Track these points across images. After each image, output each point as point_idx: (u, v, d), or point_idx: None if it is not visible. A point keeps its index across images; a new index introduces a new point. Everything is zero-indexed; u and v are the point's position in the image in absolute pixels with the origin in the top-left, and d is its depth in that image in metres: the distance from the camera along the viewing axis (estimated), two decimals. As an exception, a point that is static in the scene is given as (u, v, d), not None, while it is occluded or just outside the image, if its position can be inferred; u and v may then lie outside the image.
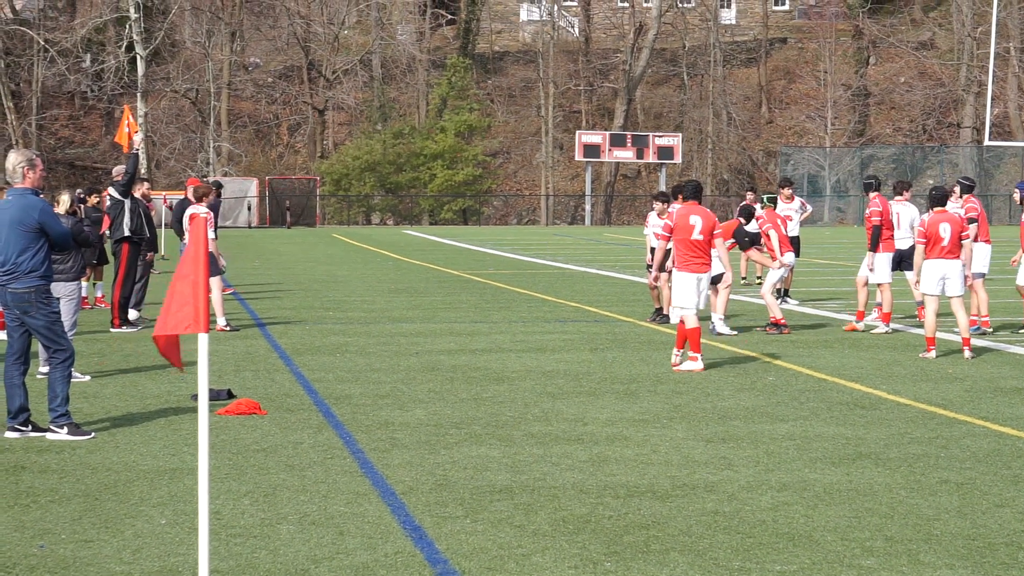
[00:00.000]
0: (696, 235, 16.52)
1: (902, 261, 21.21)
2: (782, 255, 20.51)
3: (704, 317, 21.67)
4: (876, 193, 21.06)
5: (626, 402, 13.91)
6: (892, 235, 20.98)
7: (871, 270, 20.92)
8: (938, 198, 18.15)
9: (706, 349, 18.46)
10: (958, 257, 17.67)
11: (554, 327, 21.44)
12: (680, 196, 17.19)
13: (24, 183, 12.06)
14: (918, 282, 18.29)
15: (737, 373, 16.14)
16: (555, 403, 13.82)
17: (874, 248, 20.74)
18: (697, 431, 12.24)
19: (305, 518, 9.03)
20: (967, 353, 17.42)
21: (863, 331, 20.46)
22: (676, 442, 11.70)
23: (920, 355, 17.55)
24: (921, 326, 20.38)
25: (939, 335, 17.97)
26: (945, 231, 17.57)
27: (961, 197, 21.61)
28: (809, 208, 27.21)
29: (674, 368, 16.41)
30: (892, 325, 20.87)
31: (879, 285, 20.76)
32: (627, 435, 12.02)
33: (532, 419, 12.84)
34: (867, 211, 20.95)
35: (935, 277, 17.61)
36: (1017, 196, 22.11)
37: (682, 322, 16.62)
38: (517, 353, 18.00)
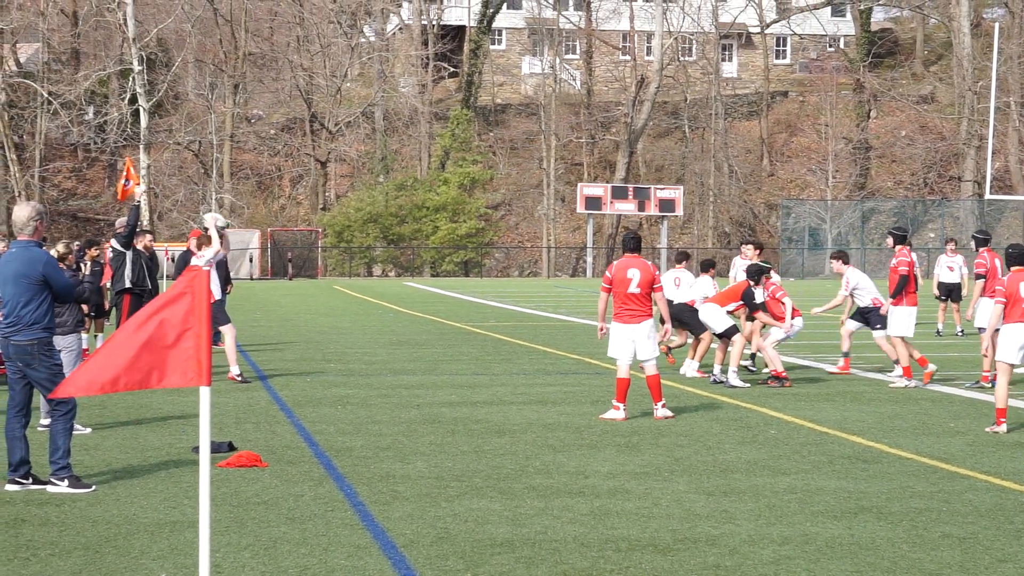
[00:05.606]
0: (633, 288, 16.69)
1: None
2: (792, 319, 20.90)
3: (707, 364, 21.68)
4: (903, 245, 20.91)
5: (627, 455, 13.89)
6: (916, 289, 20.82)
7: (881, 319, 20.92)
8: (1015, 256, 16.06)
9: (707, 402, 18.47)
10: None
11: (555, 379, 21.44)
12: (626, 250, 17.01)
13: (34, 236, 12.12)
14: (987, 350, 16.44)
15: (739, 426, 16.12)
16: (556, 456, 13.80)
17: (896, 298, 20.65)
18: (699, 484, 12.22)
19: (306, 571, 9.00)
20: None
21: (912, 387, 20.12)
22: (677, 495, 11.68)
23: (987, 429, 15.74)
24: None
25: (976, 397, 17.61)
26: None
27: (976, 251, 21.62)
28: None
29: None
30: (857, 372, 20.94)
31: (901, 337, 20.47)
32: (628, 488, 12.00)
33: (533, 472, 12.82)
34: (894, 261, 20.82)
35: (1015, 344, 15.68)
36: None
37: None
38: (518, 405, 17.99)
